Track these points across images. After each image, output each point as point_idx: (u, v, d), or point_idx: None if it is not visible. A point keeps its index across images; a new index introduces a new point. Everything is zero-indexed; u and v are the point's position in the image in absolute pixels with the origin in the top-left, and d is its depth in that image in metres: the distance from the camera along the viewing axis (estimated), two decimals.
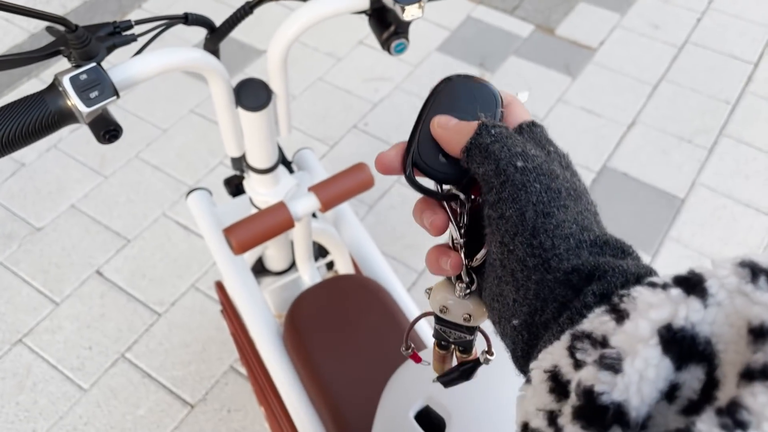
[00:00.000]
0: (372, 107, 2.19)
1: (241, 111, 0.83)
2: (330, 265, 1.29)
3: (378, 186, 1.95)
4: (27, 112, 0.63)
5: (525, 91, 0.44)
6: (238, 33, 2.33)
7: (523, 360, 0.35)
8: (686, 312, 0.26)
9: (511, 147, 0.35)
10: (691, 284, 0.27)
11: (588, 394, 0.26)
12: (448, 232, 0.40)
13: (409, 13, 0.72)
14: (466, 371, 0.49)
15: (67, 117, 0.64)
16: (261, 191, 0.99)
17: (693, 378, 0.26)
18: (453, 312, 0.42)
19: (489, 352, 0.45)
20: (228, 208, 1.08)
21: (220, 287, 1.12)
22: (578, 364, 0.28)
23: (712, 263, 0.28)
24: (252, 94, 0.82)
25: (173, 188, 1.96)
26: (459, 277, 0.41)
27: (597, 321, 0.29)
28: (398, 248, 1.82)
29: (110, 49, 0.69)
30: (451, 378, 0.50)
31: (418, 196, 0.41)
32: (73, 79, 0.62)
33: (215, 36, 0.84)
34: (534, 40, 2.40)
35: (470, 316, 0.42)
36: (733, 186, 1.98)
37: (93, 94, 0.63)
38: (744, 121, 2.15)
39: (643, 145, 2.08)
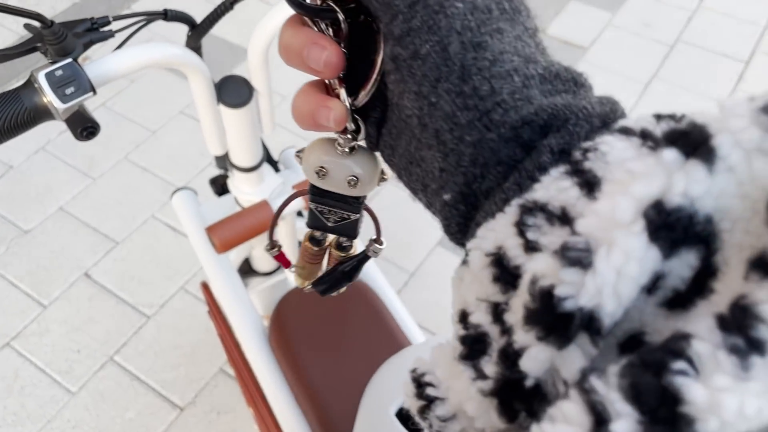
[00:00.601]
0: None
1: (222, 108, 0.81)
2: None
3: None
4: (2, 108, 0.61)
5: None
6: (227, 33, 2.32)
7: (460, 235, 0.27)
8: (685, 183, 0.18)
9: None
10: (692, 142, 0.19)
11: (546, 297, 0.19)
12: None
13: None
14: (348, 271, 0.39)
15: (42, 114, 0.63)
16: (245, 190, 0.97)
17: (683, 265, 0.19)
18: (333, 175, 0.32)
19: (377, 240, 0.37)
20: (213, 207, 1.06)
21: (205, 288, 1.11)
22: (530, 246, 0.21)
23: (721, 108, 0.20)
24: (233, 91, 0.81)
25: (162, 190, 1.94)
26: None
27: (554, 187, 0.22)
28: (388, 249, 1.81)
29: (87, 46, 0.68)
30: (330, 282, 0.40)
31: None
32: (48, 75, 0.61)
33: (196, 32, 0.83)
34: None
35: (356, 178, 0.32)
36: None
37: (69, 90, 0.62)
38: None
39: None
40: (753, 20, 2.47)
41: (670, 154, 0.19)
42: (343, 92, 0.29)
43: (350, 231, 0.36)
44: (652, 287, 0.20)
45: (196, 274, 1.76)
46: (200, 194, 1.17)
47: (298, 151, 0.34)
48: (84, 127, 0.66)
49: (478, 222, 0.24)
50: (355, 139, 0.31)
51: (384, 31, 0.26)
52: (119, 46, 0.73)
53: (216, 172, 1.08)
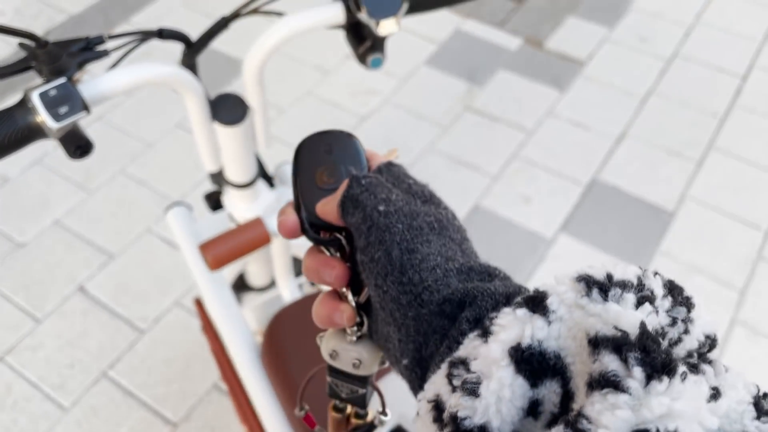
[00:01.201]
0: (360, 121, 2.18)
1: (217, 126, 0.81)
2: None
3: None
4: None
5: (394, 149, 0.44)
6: (224, 46, 2.32)
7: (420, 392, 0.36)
8: (531, 330, 0.27)
9: (377, 194, 0.35)
10: (536, 302, 0.28)
11: (454, 420, 0.27)
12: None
13: (385, 28, 0.71)
14: None
15: (36, 132, 0.62)
16: (240, 206, 0.97)
17: (550, 392, 0.27)
18: (342, 357, 0.40)
19: (383, 412, 0.43)
20: (208, 223, 1.06)
21: (199, 304, 1.10)
22: (454, 390, 0.29)
23: (555, 279, 0.29)
24: (228, 109, 0.81)
25: (158, 203, 1.94)
26: None
27: (470, 346, 0.30)
28: None
29: (82, 65, 0.67)
30: None
31: None
32: (42, 95, 0.61)
33: (191, 51, 0.83)
34: (523, 53, 2.40)
35: (359, 361, 0.40)
36: (722, 199, 1.97)
37: (62, 110, 0.62)
38: (733, 135, 2.15)
39: (632, 159, 2.08)
40: (750, 35, 2.48)
41: (521, 312, 0.28)
42: (350, 295, 0.38)
43: (359, 402, 0.43)
44: (535, 412, 0.27)
45: (190, 289, 1.75)
46: (196, 209, 1.17)
47: (319, 335, 0.42)
48: (78, 145, 0.66)
49: (426, 380, 0.32)
50: (360, 330, 0.39)
51: (356, 246, 0.36)
52: (114, 65, 0.73)
53: (211, 187, 1.07)
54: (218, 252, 0.79)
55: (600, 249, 1.84)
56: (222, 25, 0.79)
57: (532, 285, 0.32)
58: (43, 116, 0.61)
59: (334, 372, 0.41)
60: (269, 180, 1.17)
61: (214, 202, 1.09)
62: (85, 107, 0.64)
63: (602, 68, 2.36)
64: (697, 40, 2.46)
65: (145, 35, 0.74)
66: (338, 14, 0.73)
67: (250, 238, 0.81)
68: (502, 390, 0.26)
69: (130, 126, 2.14)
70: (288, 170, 1.12)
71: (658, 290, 0.27)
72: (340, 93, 2.26)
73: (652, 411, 0.22)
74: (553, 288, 0.28)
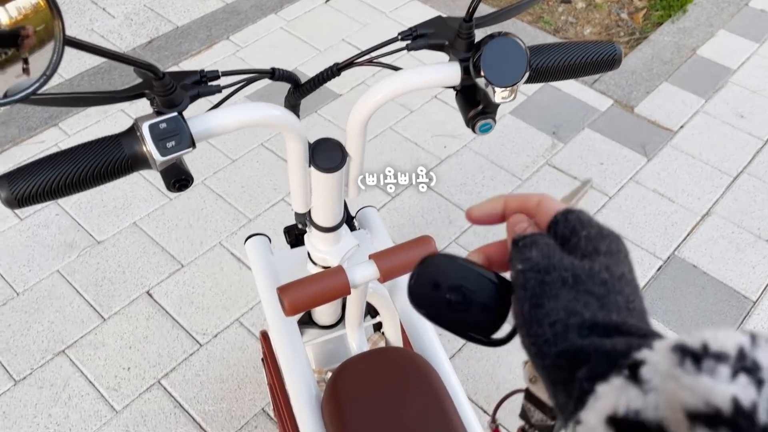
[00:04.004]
0: (438, 163, 2.17)
1: (313, 170, 0.81)
2: (378, 326, 1.25)
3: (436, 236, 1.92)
4: (102, 153, 0.63)
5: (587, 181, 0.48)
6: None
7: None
8: (626, 400, 0.27)
9: (523, 253, 0.40)
10: (632, 372, 0.28)
11: None
12: None
13: (501, 95, 0.70)
14: None
15: (140, 162, 0.64)
16: (321, 248, 0.97)
17: None
18: (542, 384, 0.44)
19: None
20: (284, 257, 1.06)
21: (264, 337, 1.10)
22: None
23: (653, 347, 0.29)
24: (327, 155, 0.81)
25: (233, 219, 1.97)
26: None
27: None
28: None
29: (194, 98, 0.69)
30: None
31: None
32: (152, 127, 0.62)
33: (299, 92, 0.84)
34: (611, 115, 2.35)
35: None
36: None
37: (170, 144, 0.63)
38: None
39: (716, 238, 1.98)
40: None
41: (618, 381, 0.29)
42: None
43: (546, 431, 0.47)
44: None
45: (253, 308, 1.76)
46: (268, 230, 1.17)
47: (526, 360, 0.44)
48: (178, 179, 0.67)
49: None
50: None
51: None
52: (219, 104, 0.74)
53: (289, 208, 1.07)
54: (296, 297, 0.79)
55: (672, 329, 1.76)
56: (333, 72, 0.79)
57: None
58: (150, 148, 0.62)
59: (530, 397, 0.46)
60: (351, 221, 1.17)
61: (294, 237, 1.09)
62: (192, 143, 0.65)
63: (693, 140, 2.28)
64: None
65: (259, 74, 0.75)
66: (455, 76, 0.72)
67: (330, 286, 0.81)
68: None
69: (217, 140, 2.20)
70: (369, 214, 1.12)
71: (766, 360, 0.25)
72: (422, 132, 2.27)
73: None
74: (649, 357, 0.28)
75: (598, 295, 0.37)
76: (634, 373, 0.28)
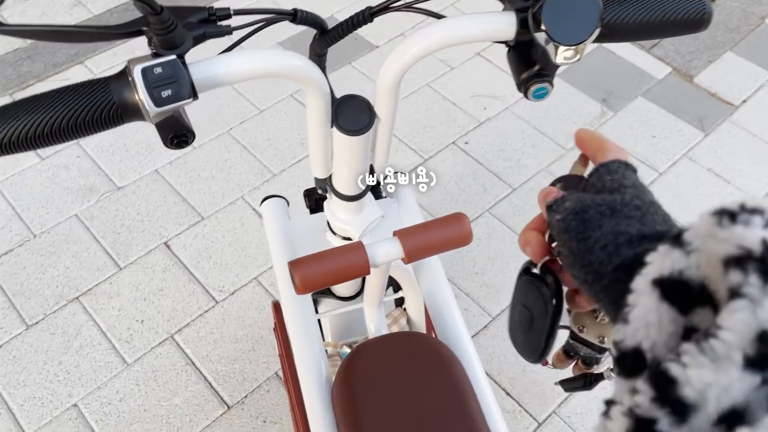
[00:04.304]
0: (476, 125, 2.04)
1: (335, 131, 0.71)
2: (400, 301, 1.16)
3: (465, 212, 1.81)
4: (88, 98, 0.53)
5: None
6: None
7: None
8: (671, 262, 0.29)
9: (558, 209, 0.43)
10: (676, 238, 0.30)
11: (615, 345, 0.31)
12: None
13: (564, 55, 0.58)
14: (589, 382, 0.62)
15: (131, 112, 0.54)
16: (341, 217, 0.87)
17: (704, 319, 0.29)
18: (589, 332, 0.52)
19: (614, 370, 0.46)
20: (302, 223, 0.97)
21: (276, 309, 1.02)
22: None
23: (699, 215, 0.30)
24: (352, 116, 0.70)
25: (257, 173, 1.89)
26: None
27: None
28: (475, 285, 1.67)
29: (199, 40, 0.58)
30: (574, 386, 0.65)
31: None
32: (145, 71, 0.53)
33: (325, 39, 0.73)
34: (668, 84, 2.18)
35: (604, 338, 0.52)
36: None
37: (165, 93, 0.53)
38: None
39: None
40: None
41: (663, 248, 0.31)
42: (548, 277, 0.47)
43: (593, 361, 0.57)
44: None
45: (272, 268, 1.68)
46: (291, 187, 1.07)
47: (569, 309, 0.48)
48: (176, 134, 0.57)
49: None
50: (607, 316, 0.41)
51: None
52: (229, 48, 0.64)
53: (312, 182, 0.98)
54: (309, 275, 0.70)
55: None
56: (365, 18, 0.68)
57: None
58: (142, 96, 0.52)
59: (576, 338, 0.55)
60: (377, 188, 1.06)
61: (314, 202, 1.00)
62: (193, 93, 0.55)
63: (756, 116, 2.10)
64: None
65: (278, 15, 0.65)
66: (509, 29, 0.60)
67: (347, 264, 0.71)
68: (647, 315, 0.29)
69: (245, 88, 2.10)
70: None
71: None
72: (462, 92, 2.13)
73: (766, 311, 0.24)
74: (691, 224, 0.30)
75: (637, 217, 0.40)
76: (678, 238, 0.29)
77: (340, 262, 0.72)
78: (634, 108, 2.11)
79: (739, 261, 0.25)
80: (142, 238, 1.74)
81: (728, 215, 0.27)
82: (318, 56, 0.79)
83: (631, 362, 0.30)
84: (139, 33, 0.57)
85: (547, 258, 0.46)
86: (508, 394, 1.51)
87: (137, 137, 1.96)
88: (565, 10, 0.56)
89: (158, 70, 0.53)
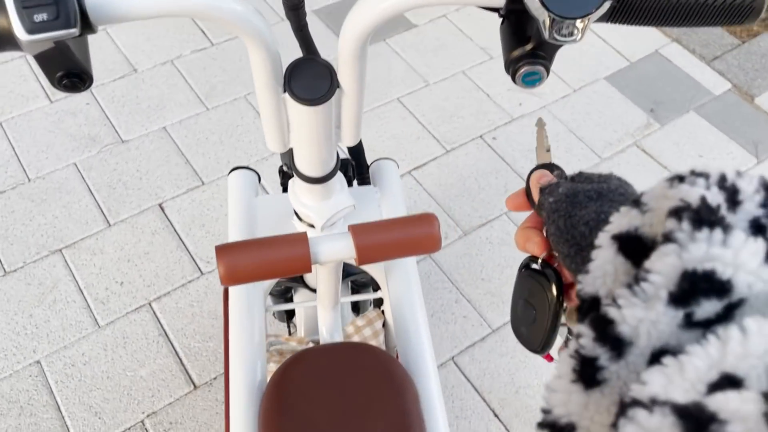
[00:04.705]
0: (508, 121, 1.90)
1: (288, 99, 0.59)
2: (378, 303, 1.05)
3: (482, 213, 1.68)
4: None
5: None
6: None
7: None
8: (628, 220, 0.32)
9: (551, 193, 0.46)
10: (636, 201, 0.32)
11: (578, 294, 0.34)
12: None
13: (561, 32, 0.45)
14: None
15: (3, 39, 0.43)
16: (304, 201, 0.76)
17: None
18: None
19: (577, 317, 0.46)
20: (269, 202, 0.86)
21: (225, 296, 0.91)
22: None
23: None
24: (309, 82, 0.58)
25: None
26: None
27: None
28: (479, 293, 1.54)
29: None
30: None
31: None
32: None
33: None
34: (726, 101, 1.99)
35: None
36: None
37: (39, 17, 0.42)
38: None
39: None
40: None
41: (624, 208, 0.34)
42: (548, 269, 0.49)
43: None
44: None
45: None
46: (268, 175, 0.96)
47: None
48: (64, 73, 0.46)
49: None
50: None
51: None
52: None
53: None
54: (236, 265, 0.59)
55: None
56: None
57: None
58: (12, 18, 0.42)
59: (572, 334, 0.52)
60: (363, 175, 0.95)
61: (288, 181, 0.88)
62: (86, 24, 0.44)
63: None
64: None
65: None
66: None
67: (284, 258, 0.60)
68: (605, 266, 0.32)
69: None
70: (385, 168, 0.89)
71: (748, 187, 0.28)
72: (498, 83, 1.98)
73: (691, 254, 0.26)
74: (650, 188, 0.32)
75: (620, 201, 0.42)
76: (637, 201, 0.32)
77: (276, 254, 0.61)
78: (683, 122, 1.93)
79: (677, 211, 0.28)
80: (137, 196, 1.66)
81: (679, 178, 0.30)
82: (292, 9, 0.67)
83: (587, 308, 0.32)
84: None
85: (545, 254, 0.48)
86: (496, 415, 1.38)
87: (150, 91, 1.87)
88: None
89: None
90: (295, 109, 0.60)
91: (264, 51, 0.54)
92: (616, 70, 2.05)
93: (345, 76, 0.58)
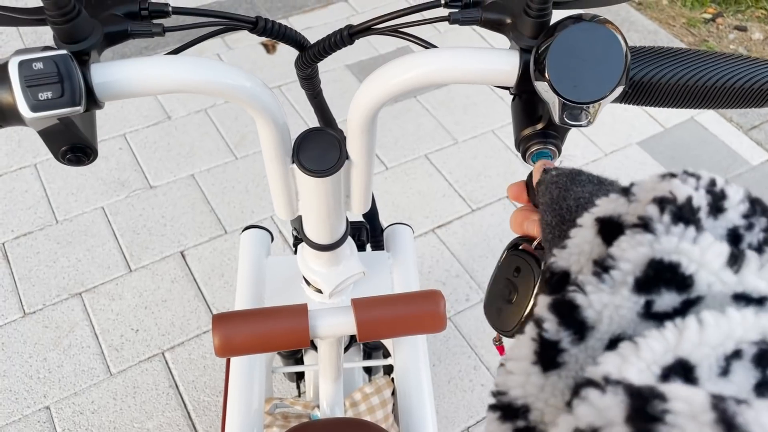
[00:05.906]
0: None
1: (297, 170, 0.58)
2: (389, 369, 1.01)
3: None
4: None
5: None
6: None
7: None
8: (614, 206, 0.32)
9: (553, 173, 0.44)
10: (625, 189, 0.32)
11: (549, 266, 0.34)
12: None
13: (569, 115, 0.43)
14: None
15: (8, 115, 0.43)
16: (312, 267, 0.74)
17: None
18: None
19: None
20: (280, 264, 0.85)
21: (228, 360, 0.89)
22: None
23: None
24: (317, 153, 0.57)
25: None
26: None
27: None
28: (499, 360, 1.49)
29: (117, 38, 0.47)
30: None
31: None
32: (23, 65, 0.41)
33: (305, 58, 0.60)
34: (763, 172, 1.93)
35: None
36: None
37: (44, 95, 0.42)
38: None
39: None
40: None
41: (614, 195, 0.34)
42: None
43: None
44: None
45: None
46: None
47: None
48: (68, 148, 0.46)
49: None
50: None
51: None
52: (175, 51, 0.52)
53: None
54: (232, 336, 0.57)
55: None
56: (344, 38, 0.55)
57: None
58: (17, 96, 0.41)
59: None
60: (377, 238, 0.93)
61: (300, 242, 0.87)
62: (88, 100, 0.43)
63: None
64: None
65: (230, 22, 0.52)
66: (509, 70, 0.45)
67: (282, 331, 0.58)
68: (582, 245, 0.32)
69: (302, 102, 2.01)
70: (399, 233, 0.87)
71: (735, 195, 0.29)
72: None
73: (662, 245, 0.27)
74: (641, 180, 0.32)
75: (604, 191, 0.41)
76: (626, 190, 0.32)
77: (273, 326, 0.58)
78: None
79: (662, 201, 0.28)
80: (160, 242, 1.66)
81: (670, 176, 0.30)
82: (305, 79, 0.67)
83: (556, 282, 0.33)
84: (41, 22, 0.46)
85: (540, 239, 0.48)
86: None
87: (183, 138, 1.90)
88: (580, 56, 0.41)
89: (38, 65, 0.41)
90: (304, 180, 0.59)
91: (272, 123, 0.53)
92: (650, 136, 2.02)
93: (354, 147, 0.57)
